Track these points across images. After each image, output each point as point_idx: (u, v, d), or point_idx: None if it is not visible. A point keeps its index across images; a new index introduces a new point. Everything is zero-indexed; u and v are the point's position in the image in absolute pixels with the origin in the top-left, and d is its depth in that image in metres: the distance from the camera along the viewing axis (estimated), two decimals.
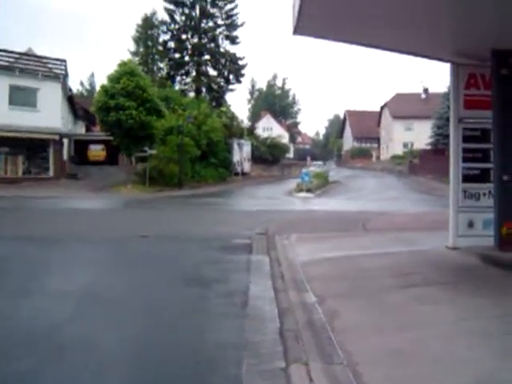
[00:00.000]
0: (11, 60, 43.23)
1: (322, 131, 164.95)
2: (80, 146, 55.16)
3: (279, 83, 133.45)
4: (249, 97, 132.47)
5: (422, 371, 5.16)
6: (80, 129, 63.80)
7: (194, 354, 5.95)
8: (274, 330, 6.68)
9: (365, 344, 5.95)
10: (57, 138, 44.42)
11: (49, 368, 5.43)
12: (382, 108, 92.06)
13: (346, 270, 10.42)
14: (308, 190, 38.72)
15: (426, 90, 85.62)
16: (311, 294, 8.43)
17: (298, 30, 10.22)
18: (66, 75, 46.13)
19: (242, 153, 57.41)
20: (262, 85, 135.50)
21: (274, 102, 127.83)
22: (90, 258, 12.62)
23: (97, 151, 55.59)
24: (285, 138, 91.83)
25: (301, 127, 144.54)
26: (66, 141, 49.81)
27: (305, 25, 9.96)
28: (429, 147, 59.38)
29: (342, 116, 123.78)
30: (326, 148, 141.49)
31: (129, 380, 5.27)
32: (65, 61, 45.88)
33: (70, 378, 5.23)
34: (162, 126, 42.51)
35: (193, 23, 60.02)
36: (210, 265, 11.50)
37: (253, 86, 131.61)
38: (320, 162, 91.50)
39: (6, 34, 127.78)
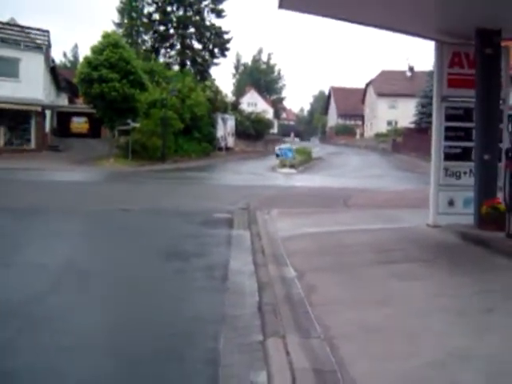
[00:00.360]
0: None
1: (307, 107, 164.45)
2: (62, 118, 54.66)
3: (264, 58, 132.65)
4: (234, 71, 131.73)
5: (397, 346, 5.20)
6: (63, 101, 63.11)
7: (170, 327, 5.96)
8: (253, 304, 6.71)
9: (342, 318, 5.99)
10: (39, 109, 43.97)
11: (23, 339, 5.41)
12: (367, 85, 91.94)
13: (326, 245, 10.46)
14: (291, 166, 38.80)
15: (411, 68, 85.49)
16: (291, 268, 8.47)
17: (283, 3, 10.15)
18: (48, 46, 45.52)
19: (225, 128, 57.21)
20: (247, 59, 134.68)
21: (259, 77, 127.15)
22: (69, 230, 12.56)
23: (79, 123, 55.15)
24: (269, 114, 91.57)
25: (285, 103, 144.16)
26: (48, 112, 49.33)
27: None
28: (413, 125, 59.47)
29: (326, 92, 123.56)
30: (311, 124, 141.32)
31: (103, 353, 5.27)
32: (47, 31, 45.27)
33: (45, 350, 5.22)
34: (145, 99, 42.21)
35: None
36: (191, 239, 11.51)
37: (238, 61, 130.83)
38: (296, 139, 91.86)
39: None
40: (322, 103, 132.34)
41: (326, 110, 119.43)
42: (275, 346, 5.15)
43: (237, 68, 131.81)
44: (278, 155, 40.74)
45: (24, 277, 8.02)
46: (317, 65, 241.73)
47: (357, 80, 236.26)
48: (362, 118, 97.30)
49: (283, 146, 45.17)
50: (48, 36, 45.07)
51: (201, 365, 4.98)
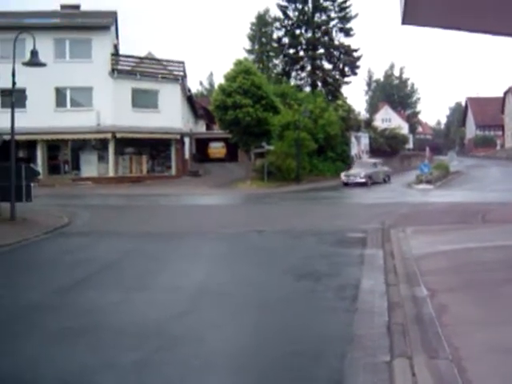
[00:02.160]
0: (132, 64, 45.13)
1: (444, 120, 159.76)
2: (201, 144, 56.78)
3: (396, 73, 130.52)
4: (366, 88, 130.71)
5: None
6: (200, 127, 65.54)
7: (298, 345, 6.07)
8: (382, 324, 6.69)
9: (473, 339, 5.84)
10: (178, 137, 45.88)
11: (158, 359, 5.70)
12: (506, 93, 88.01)
13: (461, 263, 10.18)
14: (427, 182, 37.85)
15: None
16: (423, 287, 8.33)
17: (406, 19, 10.08)
18: (184, 76, 47.51)
19: (359, 145, 56.88)
20: (378, 76, 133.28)
21: (392, 93, 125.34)
22: (206, 253, 13.04)
23: (217, 148, 57.01)
24: (404, 129, 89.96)
25: (421, 117, 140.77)
26: (187, 139, 51.34)
27: (412, 14, 9.81)
28: None
29: (463, 104, 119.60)
30: (448, 137, 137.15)
31: (235, 369, 5.46)
32: (183, 62, 47.30)
33: (181, 367, 5.48)
34: (278, 122, 42.86)
35: (306, 18, 59.88)
36: (323, 259, 11.59)
37: (370, 78, 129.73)
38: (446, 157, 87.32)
39: (127, 39, 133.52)
40: (458, 115, 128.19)
41: (463, 122, 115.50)
42: (401, 367, 5.13)
43: (369, 85, 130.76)
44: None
45: (162, 298, 8.44)
46: (451, 76, 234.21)
47: (494, 89, 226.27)
48: (502, 128, 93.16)
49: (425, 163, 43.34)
50: (183, 67, 47.05)
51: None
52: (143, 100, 43.58)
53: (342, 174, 40.38)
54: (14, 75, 18.15)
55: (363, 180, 38.34)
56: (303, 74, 62.07)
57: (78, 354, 5.82)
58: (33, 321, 7.25)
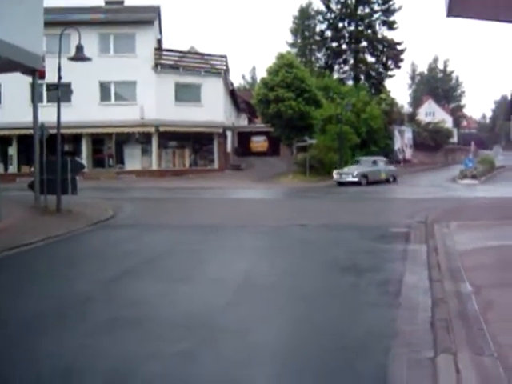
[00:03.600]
0: (175, 59, 45.46)
1: (489, 114, 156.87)
2: (243, 138, 56.95)
3: (441, 66, 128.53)
4: (409, 82, 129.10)
5: None
6: (242, 121, 65.70)
7: (343, 340, 6.08)
8: (426, 320, 6.65)
9: None
10: (220, 130, 46.08)
11: (204, 350, 5.77)
12: None
13: (506, 259, 10.02)
14: (472, 177, 37.33)
15: None
16: (467, 283, 8.24)
17: (451, 12, 9.98)
18: (227, 70, 47.66)
19: (402, 140, 56.39)
20: (422, 69, 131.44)
21: (436, 86, 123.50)
22: (249, 245, 13.13)
23: (259, 142, 57.10)
24: (448, 123, 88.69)
25: (465, 110, 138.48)
26: (229, 133, 51.54)
27: (457, 6, 9.71)
28: None
29: (509, 97, 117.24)
30: (493, 132, 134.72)
31: (280, 361, 5.50)
32: (225, 56, 47.46)
33: (225, 359, 5.54)
34: (320, 116, 42.74)
35: (349, 11, 59.55)
36: (366, 253, 11.55)
37: (413, 71, 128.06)
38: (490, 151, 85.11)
39: (170, 34, 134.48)
40: (504, 109, 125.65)
41: (508, 116, 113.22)
42: (445, 363, 5.09)
43: (412, 78, 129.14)
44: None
45: (207, 290, 8.53)
46: (497, 68, 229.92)
47: None
48: None
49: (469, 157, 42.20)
50: (226, 61, 47.21)
51: (369, 379, 5.05)
52: (186, 94, 43.92)
53: (335, 173, 37.52)
54: (59, 70, 18.47)
55: (356, 179, 35.53)
56: (346, 68, 61.83)
57: (125, 344, 5.93)
58: (81, 311, 7.40)
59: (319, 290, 8.54)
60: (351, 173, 36.18)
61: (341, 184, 35.44)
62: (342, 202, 25.20)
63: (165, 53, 46.09)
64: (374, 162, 38.29)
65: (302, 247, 12.86)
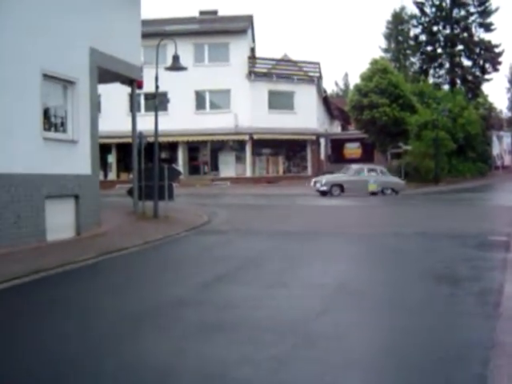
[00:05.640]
0: (269, 66, 45.91)
1: None
2: (336, 145, 56.67)
3: None
4: (508, 85, 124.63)
5: None
6: (336, 128, 65.49)
7: (439, 349, 5.93)
8: None
9: None
10: (314, 138, 46.13)
11: (297, 356, 5.77)
12: None
13: None
14: None
15: None
16: None
17: None
18: (320, 77, 47.68)
19: (501, 145, 54.63)
20: None
21: None
22: (342, 252, 13.11)
23: (352, 149, 56.66)
24: None
25: None
26: (322, 140, 51.48)
27: None
28: None
29: None
30: None
31: (374, 369, 5.43)
32: (318, 63, 47.54)
33: (318, 365, 5.52)
34: (416, 121, 42.06)
35: (444, 14, 58.21)
36: (463, 262, 11.23)
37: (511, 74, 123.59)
38: None
39: (263, 42, 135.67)
40: None
41: None
42: None
43: (511, 82, 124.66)
44: None
45: (300, 296, 8.52)
46: None
47: None
48: None
49: None
50: (319, 67, 47.23)
51: None
52: (279, 101, 44.26)
53: (312, 180, 34.88)
54: (157, 80, 18.99)
55: (324, 188, 32.61)
56: (441, 72, 60.50)
57: (217, 348, 6.00)
58: (175, 315, 7.56)
59: (415, 298, 8.36)
60: (320, 181, 33.56)
61: (322, 193, 32.93)
62: (438, 209, 24.65)
63: (258, 61, 46.64)
64: (359, 171, 34.22)
65: (397, 255, 12.64)
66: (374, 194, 32.89)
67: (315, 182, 33.90)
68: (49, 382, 5.18)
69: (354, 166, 35.56)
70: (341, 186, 32.87)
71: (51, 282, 10.11)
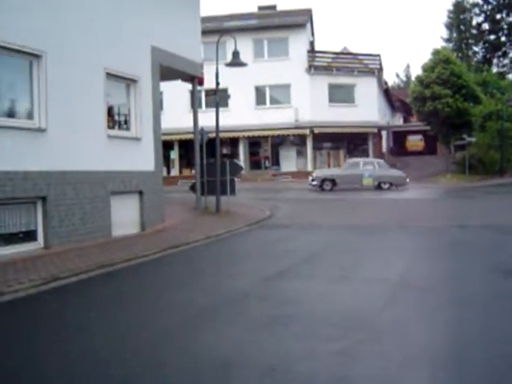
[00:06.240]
0: (328, 60, 45.64)
1: None
2: (398, 137, 56.06)
3: None
4: None
5: None
6: (398, 120, 64.67)
7: (506, 346, 5.77)
8: None
9: None
10: (375, 130, 45.62)
11: (362, 350, 5.72)
12: None
13: None
14: None
15: None
16: None
17: None
18: (380, 69, 47.12)
19: None
20: None
21: None
22: (406, 246, 12.89)
23: (415, 141, 55.99)
24: None
25: None
26: (384, 133, 50.92)
27: None
28: None
29: None
30: None
31: (440, 365, 5.33)
32: (379, 55, 46.94)
33: (384, 360, 5.47)
34: (480, 112, 41.14)
35: (507, 1, 56.70)
36: None
37: None
38: None
39: (322, 35, 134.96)
40: None
41: None
42: None
43: None
44: None
45: (364, 290, 8.46)
46: None
47: None
48: None
49: None
50: (379, 60, 46.66)
51: None
52: (340, 95, 43.96)
53: (310, 176, 34.09)
54: (217, 76, 19.12)
55: (314, 183, 32.19)
56: (506, 61, 59.04)
57: (281, 342, 6.00)
58: (239, 308, 7.61)
59: (482, 293, 8.16)
60: (312, 176, 33.25)
61: (314, 187, 32.42)
62: (505, 202, 24.07)
63: (317, 54, 46.43)
64: (355, 165, 33.29)
65: (463, 249, 12.41)
66: (379, 187, 32.09)
67: (311, 177, 33.61)
68: (117, 368, 5.30)
69: (350, 160, 35.20)
70: (333, 181, 32.47)
71: (117, 276, 10.34)
